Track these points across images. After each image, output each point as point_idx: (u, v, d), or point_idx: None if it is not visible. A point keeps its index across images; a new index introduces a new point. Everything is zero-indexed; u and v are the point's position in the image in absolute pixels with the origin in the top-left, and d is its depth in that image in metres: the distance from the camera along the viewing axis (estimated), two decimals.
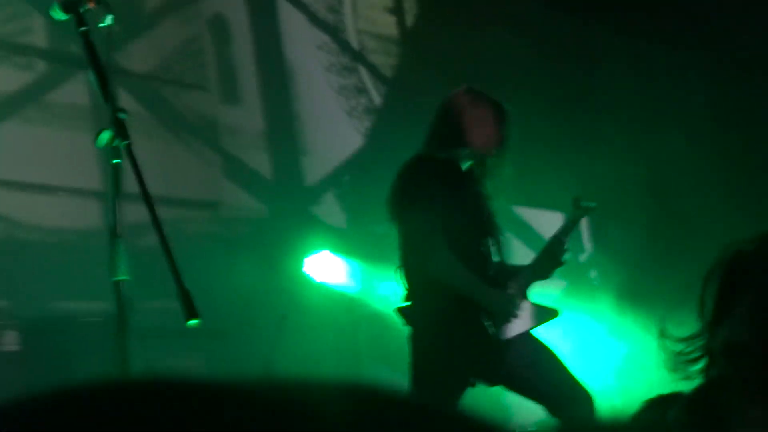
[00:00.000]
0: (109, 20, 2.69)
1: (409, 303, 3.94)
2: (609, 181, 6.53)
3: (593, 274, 7.34)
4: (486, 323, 3.87)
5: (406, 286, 3.96)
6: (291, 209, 6.24)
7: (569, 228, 4.24)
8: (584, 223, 7.12)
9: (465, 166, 4.05)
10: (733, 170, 6.77)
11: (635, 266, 6.75)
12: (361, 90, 7.15)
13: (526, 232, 6.75)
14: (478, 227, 4.01)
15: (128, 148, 2.49)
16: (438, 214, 3.83)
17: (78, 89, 5.52)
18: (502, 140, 4.07)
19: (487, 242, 4.05)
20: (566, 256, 4.16)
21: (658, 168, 6.79)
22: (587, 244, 7.39)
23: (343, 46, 7.15)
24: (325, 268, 5.93)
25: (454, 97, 4.12)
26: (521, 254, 4.71)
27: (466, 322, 3.85)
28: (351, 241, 6.12)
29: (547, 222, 6.70)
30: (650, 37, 6.79)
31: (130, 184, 2.53)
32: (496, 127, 4.05)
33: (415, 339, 3.90)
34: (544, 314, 4.09)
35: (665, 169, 6.78)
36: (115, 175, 2.45)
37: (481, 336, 3.86)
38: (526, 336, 3.99)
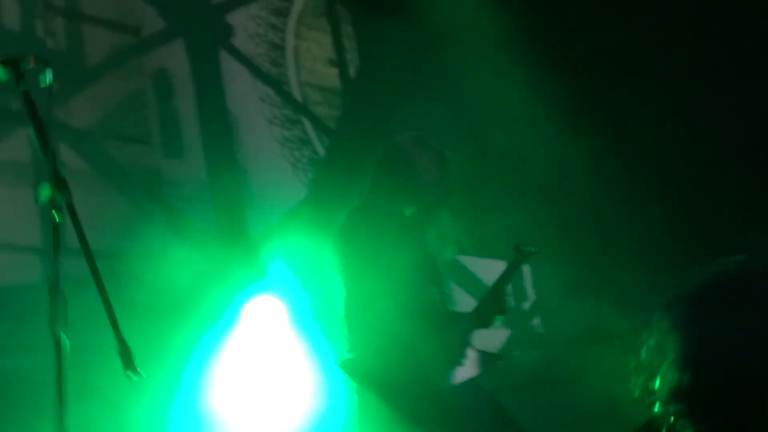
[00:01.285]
0: (49, 78, 2.71)
1: (351, 356, 3.93)
2: (551, 227, 6.60)
3: (536, 321, 7.39)
4: (431, 372, 3.88)
5: (349, 337, 3.95)
6: (235, 261, 6.23)
7: (510, 274, 4.24)
8: (527, 271, 7.19)
9: (409, 213, 4.08)
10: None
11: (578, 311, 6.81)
12: (305, 141, 7.19)
13: (470, 281, 6.79)
14: (422, 276, 4.02)
15: (69, 203, 2.50)
16: (381, 265, 3.84)
17: (18, 145, 5.48)
18: (446, 188, 4.10)
19: (431, 291, 4.07)
20: (508, 303, 4.18)
21: (602, 214, 6.90)
22: (530, 291, 7.45)
23: (286, 98, 7.20)
24: (268, 314, 5.91)
25: (398, 143, 4.14)
26: (465, 303, 4.74)
27: (409, 372, 3.85)
28: (297, 291, 6.11)
29: (491, 270, 6.74)
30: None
31: (70, 239, 2.54)
32: (439, 174, 4.08)
33: (361, 392, 3.90)
34: (489, 360, 4.09)
35: (605, 213, 6.90)
36: (55, 230, 2.45)
37: (426, 386, 3.86)
38: (470, 383, 4.00)
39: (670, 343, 1.36)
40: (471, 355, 4.02)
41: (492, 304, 4.14)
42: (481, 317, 4.13)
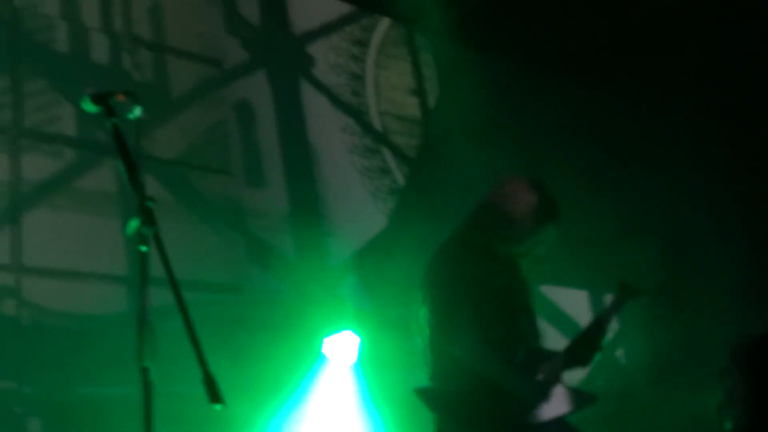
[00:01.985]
0: (137, 112, 2.76)
1: (432, 384, 3.90)
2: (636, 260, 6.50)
3: (620, 352, 7.27)
4: (515, 408, 3.81)
5: (431, 367, 3.92)
6: (315, 291, 6.25)
7: (612, 312, 4.12)
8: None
9: (503, 252, 4.01)
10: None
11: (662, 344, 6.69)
12: (385, 171, 7.21)
13: (551, 311, 6.72)
14: (511, 312, 3.96)
15: (156, 235, 2.53)
16: (472, 298, 3.79)
17: (105, 176, 5.60)
18: (548, 235, 4.02)
19: (520, 326, 3.99)
20: (606, 340, 4.06)
21: (683, 248, 6.79)
22: (613, 321, 7.32)
23: (366, 127, 7.23)
24: (346, 348, 5.91)
25: (510, 184, 4.05)
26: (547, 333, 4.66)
27: (493, 406, 3.80)
28: (373, 322, 6.11)
29: (571, 301, 6.66)
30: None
31: (156, 268, 2.57)
32: (543, 222, 3.99)
33: (440, 422, 3.85)
34: (581, 400, 3.97)
35: (689, 248, 6.79)
36: (143, 262, 2.48)
37: (508, 421, 3.80)
38: (559, 422, 3.91)
39: (737, 390, 1.50)
40: (560, 392, 3.93)
41: (589, 341, 4.03)
42: (577, 354, 4.02)
